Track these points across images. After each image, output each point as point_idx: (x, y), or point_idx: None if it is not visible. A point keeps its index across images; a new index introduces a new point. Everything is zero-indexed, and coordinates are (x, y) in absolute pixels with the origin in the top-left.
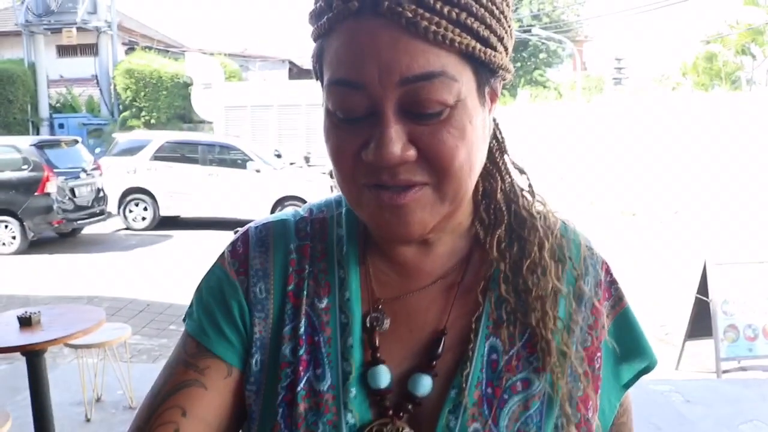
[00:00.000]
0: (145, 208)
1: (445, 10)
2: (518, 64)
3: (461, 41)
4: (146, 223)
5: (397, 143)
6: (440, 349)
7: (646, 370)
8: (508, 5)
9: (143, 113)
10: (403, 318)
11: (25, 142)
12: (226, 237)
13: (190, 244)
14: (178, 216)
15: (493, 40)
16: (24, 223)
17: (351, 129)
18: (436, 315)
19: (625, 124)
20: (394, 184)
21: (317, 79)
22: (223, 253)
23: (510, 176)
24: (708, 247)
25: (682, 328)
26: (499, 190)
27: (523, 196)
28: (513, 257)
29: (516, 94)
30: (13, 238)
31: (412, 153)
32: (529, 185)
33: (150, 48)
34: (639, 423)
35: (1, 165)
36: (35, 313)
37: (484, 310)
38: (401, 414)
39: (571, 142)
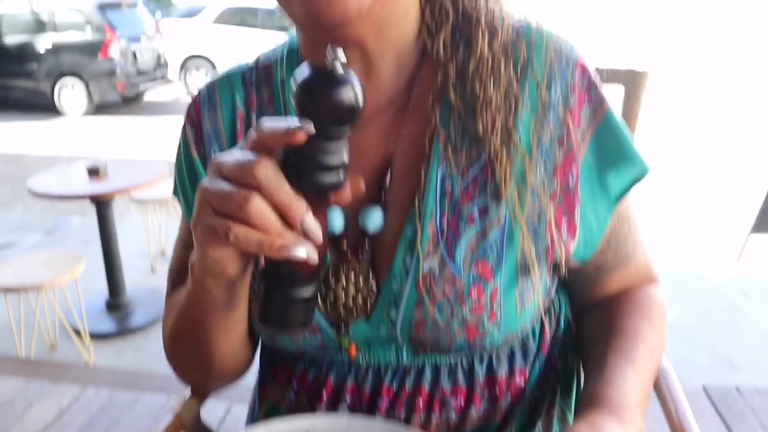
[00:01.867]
0: (206, 74)
1: None
2: None
3: None
4: None
5: None
6: (388, 178)
7: (638, 178)
8: None
9: None
10: (353, 152)
11: (87, 4)
12: None
13: None
14: None
15: None
16: (89, 86)
17: None
18: (385, 143)
19: None
20: None
21: None
22: (185, 119)
23: None
24: None
25: (748, 220)
26: None
27: None
28: (460, 60)
29: None
30: (80, 100)
31: None
32: None
33: None
34: (690, 307)
35: (65, 26)
36: (102, 163)
37: (434, 130)
38: (359, 253)
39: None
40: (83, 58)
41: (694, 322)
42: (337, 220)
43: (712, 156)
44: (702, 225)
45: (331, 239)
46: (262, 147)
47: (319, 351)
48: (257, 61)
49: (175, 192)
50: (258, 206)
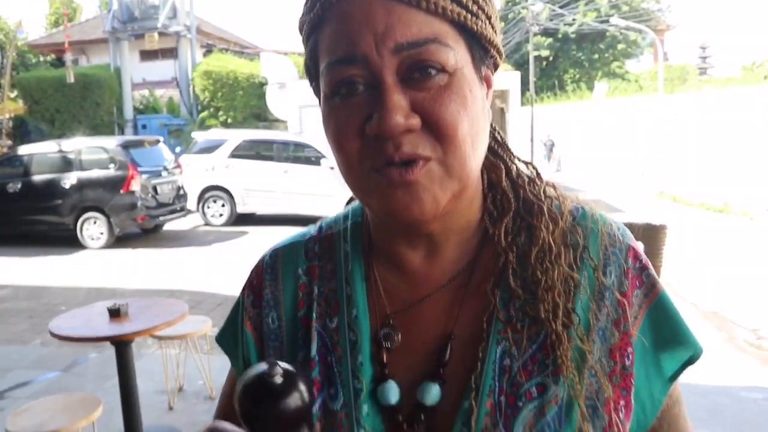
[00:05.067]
0: (223, 205)
1: None
2: (595, 56)
3: (452, 9)
4: (224, 219)
5: (400, 111)
6: (447, 355)
7: (691, 361)
8: None
9: (220, 113)
10: (413, 328)
11: (111, 143)
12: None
13: (265, 239)
14: (254, 213)
15: (482, 15)
16: (111, 219)
17: (351, 107)
18: (445, 320)
19: (712, 116)
20: (399, 158)
21: (312, 84)
22: (245, 284)
23: (515, 165)
24: None
25: None
26: (504, 178)
27: (530, 183)
28: (521, 247)
29: (593, 87)
30: (101, 233)
31: (415, 121)
32: (537, 174)
33: (226, 50)
34: (728, 430)
35: (91, 164)
36: (123, 305)
37: (494, 310)
38: (415, 426)
39: (653, 136)
40: (106, 193)
41: None
42: (393, 394)
43: (728, 272)
44: (736, 337)
45: (386, 411)
46: None
47: None
48: (320, 229)
49: (219, 340)
50: None
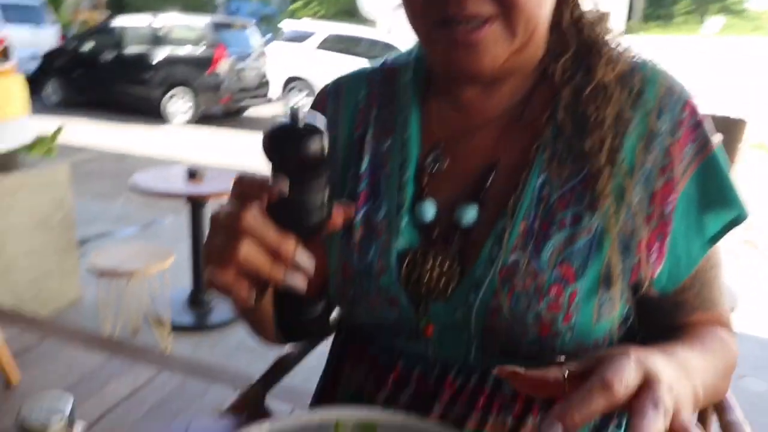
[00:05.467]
0: (307, 95)
1: None
2: None
3: None
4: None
5: None
6: (490, 179)
7: (735, 222)
8: None
9: (312, 4)
10: (460, 155)
11: (202, 22)
12: None
13: None
14: None
15: None
16: (196, 97)
17: None
18: (492, 150)
19: None
20: (463, 18)
21: None
22: (309, 107)
23: (579, 8)
24: None
25: None
26: (566, 19)
27: (593, 24)
28: (576, 84)
29: (702, 22)
30: (186, 110)
31: None
32: (602, 16)
33: None
34: None
35: (181, 41)
36: (201, 168)
37: (541, 142)
38: (448, 243)
39: (763, 80)
40: (192, 72)
41: None
42: (430, 211)
43: None
44: None
45: (423, 228)
46: (246, 196)
47: (394, 327)
48: (383, 63)
49: None
50: (247, 253)
